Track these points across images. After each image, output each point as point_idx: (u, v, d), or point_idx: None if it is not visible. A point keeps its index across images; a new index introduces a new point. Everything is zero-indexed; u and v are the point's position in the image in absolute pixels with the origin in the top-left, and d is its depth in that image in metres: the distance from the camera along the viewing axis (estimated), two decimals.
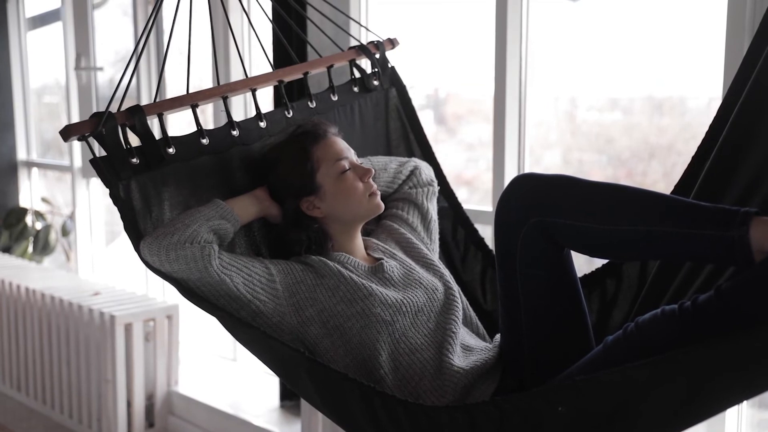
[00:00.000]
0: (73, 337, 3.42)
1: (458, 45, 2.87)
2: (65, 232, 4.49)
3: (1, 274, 3.88)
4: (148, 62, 3.79)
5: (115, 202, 1.59)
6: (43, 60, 4.75)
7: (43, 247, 4.52)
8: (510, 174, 2.46)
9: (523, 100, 2.45)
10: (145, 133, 1.62)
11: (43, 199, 4.74)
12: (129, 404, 3.33)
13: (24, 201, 4.75)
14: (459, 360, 1.59)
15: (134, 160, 1.60)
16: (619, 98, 2.66)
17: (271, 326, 1.58)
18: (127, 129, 1.61)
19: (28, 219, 4.59)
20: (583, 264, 2.17)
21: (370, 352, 1.57)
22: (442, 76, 3.06)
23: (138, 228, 1.59)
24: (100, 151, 1.61)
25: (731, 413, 2.09)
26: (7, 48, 4.65)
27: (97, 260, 4.36)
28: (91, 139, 1.59)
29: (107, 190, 1.59)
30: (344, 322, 1.59)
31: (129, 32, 4.01)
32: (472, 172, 3.07)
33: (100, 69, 4.10)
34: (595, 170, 2.71)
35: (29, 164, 4.76)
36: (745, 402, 2.08)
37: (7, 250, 4.53)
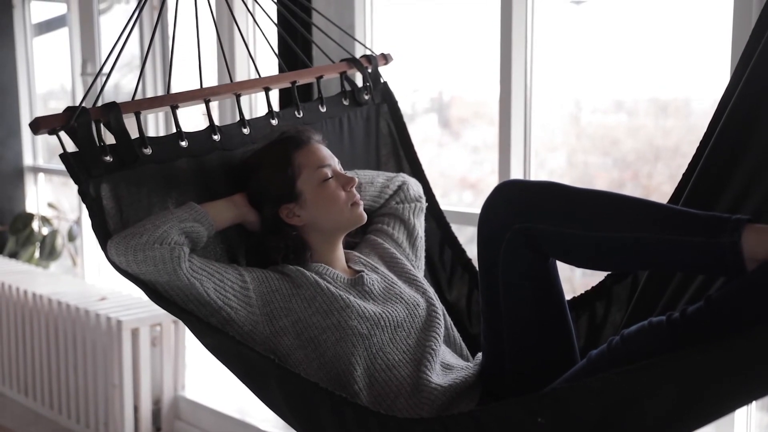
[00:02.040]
0: (79, 342, 3.43)
1: (462, 48, 2.86)
2: (72, 237, 4.49)
3: (7, 279, 3.89)
4: (153, 68, 3.80)
5: (84, 199, 1.54)
6: (49, 66, 4.76)
7: (49, 252, 4.53)
8: (516, 177, 2.45)
9: (529, 103, 2.44)
10: (120, 130, 1.57)
11: (50, 205, 4.75)
12: (136, 409, 3.33)
13: (30, 206, 4.76)
14: (437, 377, 1.53)
15: (107, 158, 1.56)
16: (623, 100, 2.65)
17: (242, 335, 1.53)
18: (103, 126, 1.57)
19: (35, 224, 4.60)
20: (576, 276, 2.16)
21: (344, 366, 1.51)
22: (446, 79, 3.06)
23: (107, 227, 1.54)
24: (73, 148, 1.57)
25: (740, 416, 2.08)
26: (13, 54, 4.66)
27: (104, 265, 4.36)
28: (64, 135, 1.55)
29: (74, 183, 1.55)
30: (319, 334, 1.53)
31: (134, 38, 4.02)
32: (476, 175, 3.06)
33: (103, 74, 4.10)
34: (601, 173, 2.70)
35: (35, 170, 4.77)
36: (754, 404, 2.08)
37: (13, 255, 4.54)
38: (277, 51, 2.69)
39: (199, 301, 1.50)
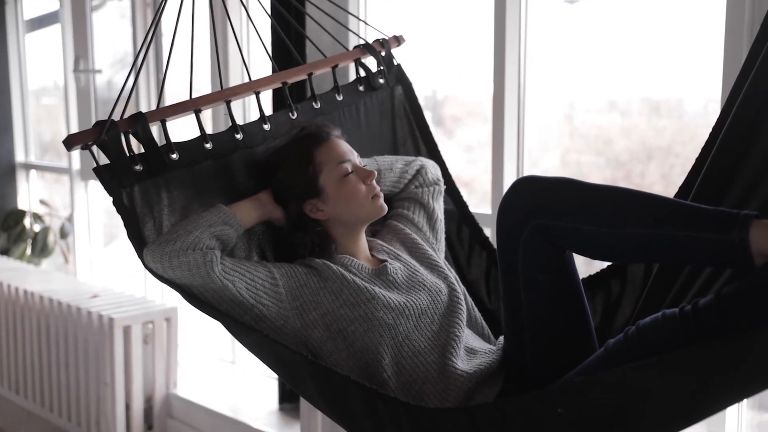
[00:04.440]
0: (71, 340, 3.42)
1: (456, 47, 2.87)
2: (63, 234, 4.48)
3: None
4: (146, 65, 3.79)
5: (119, 210, 1.59)
6: (41, 62, 4.74)
7: (41, 249, 4.52)
8: (509, 176, 2.46)
9: (522, 102, 2.45)
10: (147, 139, 1.62)
11: (42, 202, 4.74)
12: (127, 407, 3.32)
13: (22, 203, 4.75)
14: (462, 363, 1.58)
15: (137, 167, 1.61)
16: (616, 100, 2.66)
17: (274, 330, 1.59)
18: (130, 136, 1.61)
19: (27, 221, 4.59)
20: (583, 265, 2.17)
21: (373, 355, 1.57)
22: (440, 78, 3.06)
23: (142, 235, 1.59)
24: (103, 160, 1.60)
25: (731, 415, 2.09)
26: (5, 50, 4.65)
27: (96, 262, 4.36)
28: (95, 148, 1.59)
29: (107, 195, 1.60)
30: (347, 326, 1.59)
31: (127, 35, 4.01)
32: (470, 174, 3.07)
33: (99, 71, 4.10)
34: (594, 172, 2.71)
35: (27, 166, 4.75)
36: (745, 403, 2.10)
37: (5, 252, 4.52)
38: (271, 47, 2.69)
39: (232, 301, 1.56)
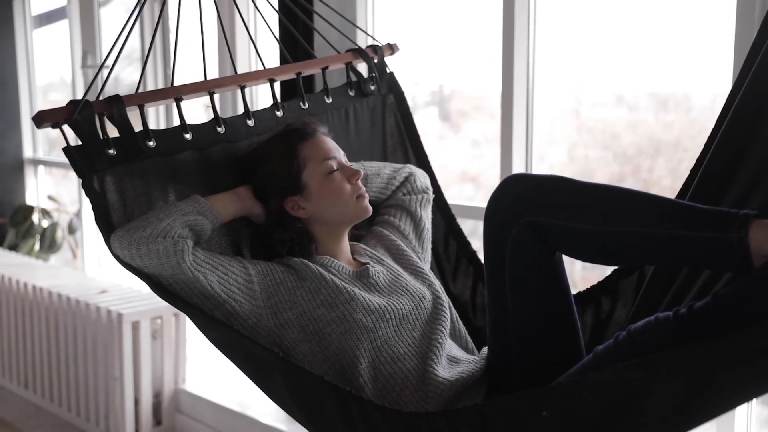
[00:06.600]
0: (80, 335, 3.43)
1: (463, 41, 2.86)
2: (72, 229, 4.49)
3: (7, 271, 3.89)
4: (154, 59, 3.79)
5: (87, 193, 1.53)
6: (49, 58, 4.75)
7: (49, 244, 4.53)
8: (518, 170, 2.45)
9: (531, 96, 2.44)
10: (123, 123, 1.56)
11: (50, 197, 4.75)
12: (136, 402, 3.33)
13: (30, 199, 4.76)
14: (444, 371, 1.52)
15: (111, 151, 1.55)
16: (624, 94, 2.65)
17: (246, 328, 1.53)
18: (106, 120, 1.56)
19: (35, 217, 4.60)
20: (577, 269, 2.16)
21: (349, 359, 1.50)
22: (446, 73, 3.05)
23: (110, 221, 1.53)
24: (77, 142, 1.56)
25: (740, 410, 2.08)
26: (13, 46, 4.66)
27: (104, 258, 4.37)
28: (67, 129, 1.54)
29: (77, 177, 1.55)
30: (323, 327, 1.53)
31: (135, 30, 4.00)
32: (477, 169, 3.06)
33: (106, 67, 4.10)
34: (601, 167, 2.70)
35: (35, 162, 4.76)
36: (754, 399, 2.08)
37: (13, 247, 4.54)
38: (278, 43, 2.69)
39: (203, 295, 1.49)
